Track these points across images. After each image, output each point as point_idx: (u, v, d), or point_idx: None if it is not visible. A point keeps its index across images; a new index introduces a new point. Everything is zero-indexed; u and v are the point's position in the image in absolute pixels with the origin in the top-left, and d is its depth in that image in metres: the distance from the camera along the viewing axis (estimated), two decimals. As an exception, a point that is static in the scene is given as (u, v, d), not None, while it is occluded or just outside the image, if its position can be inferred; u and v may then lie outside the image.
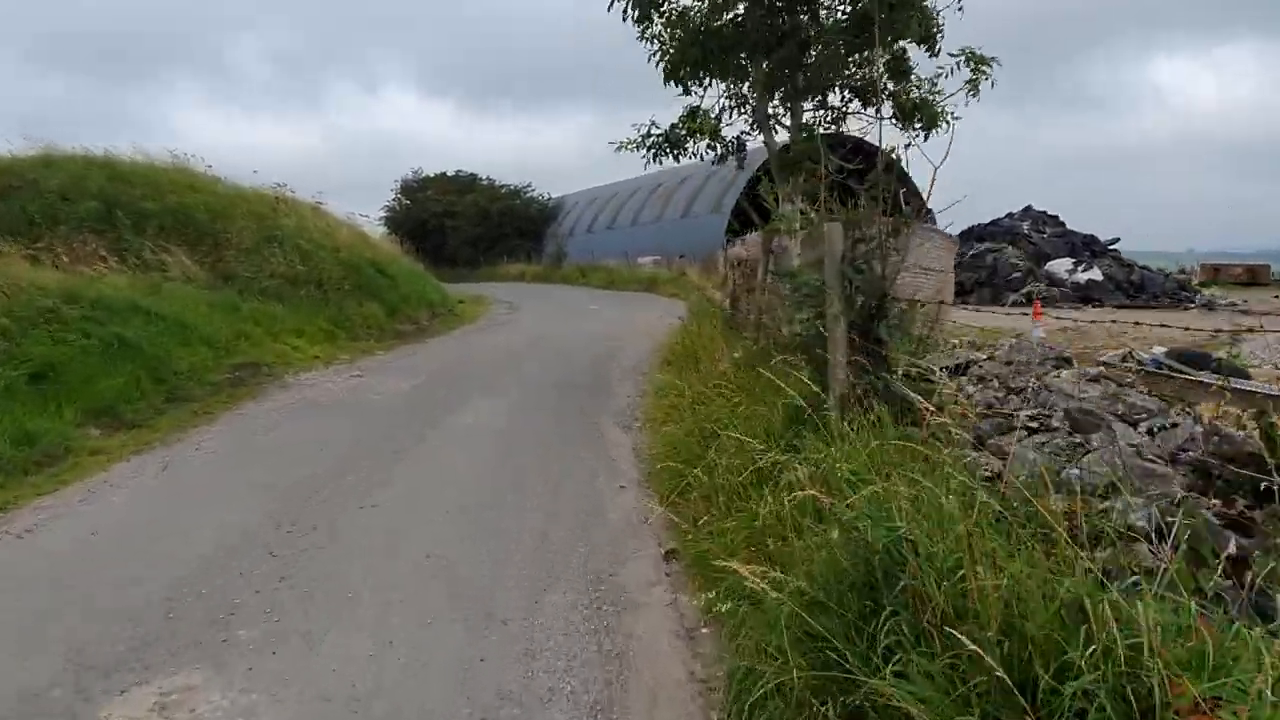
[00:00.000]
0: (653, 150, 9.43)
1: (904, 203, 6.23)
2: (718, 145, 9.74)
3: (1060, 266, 24.63)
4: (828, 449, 4.68)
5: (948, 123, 8.15)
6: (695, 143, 9.45)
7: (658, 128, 9.46)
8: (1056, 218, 27.76)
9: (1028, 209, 28.46)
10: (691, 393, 7.67)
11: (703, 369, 8.14)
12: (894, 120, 8.07)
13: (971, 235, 28.29)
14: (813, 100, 8.49)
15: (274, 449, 8.14)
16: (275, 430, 8.95)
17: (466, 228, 51.48)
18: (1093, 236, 26.37)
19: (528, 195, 53.67)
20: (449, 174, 57.61)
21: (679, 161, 9.54)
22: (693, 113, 9.22)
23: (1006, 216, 28.57)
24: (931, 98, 8.09)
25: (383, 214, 56.46)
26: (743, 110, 9.36)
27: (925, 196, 5.67)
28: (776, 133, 10.04)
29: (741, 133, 9.56)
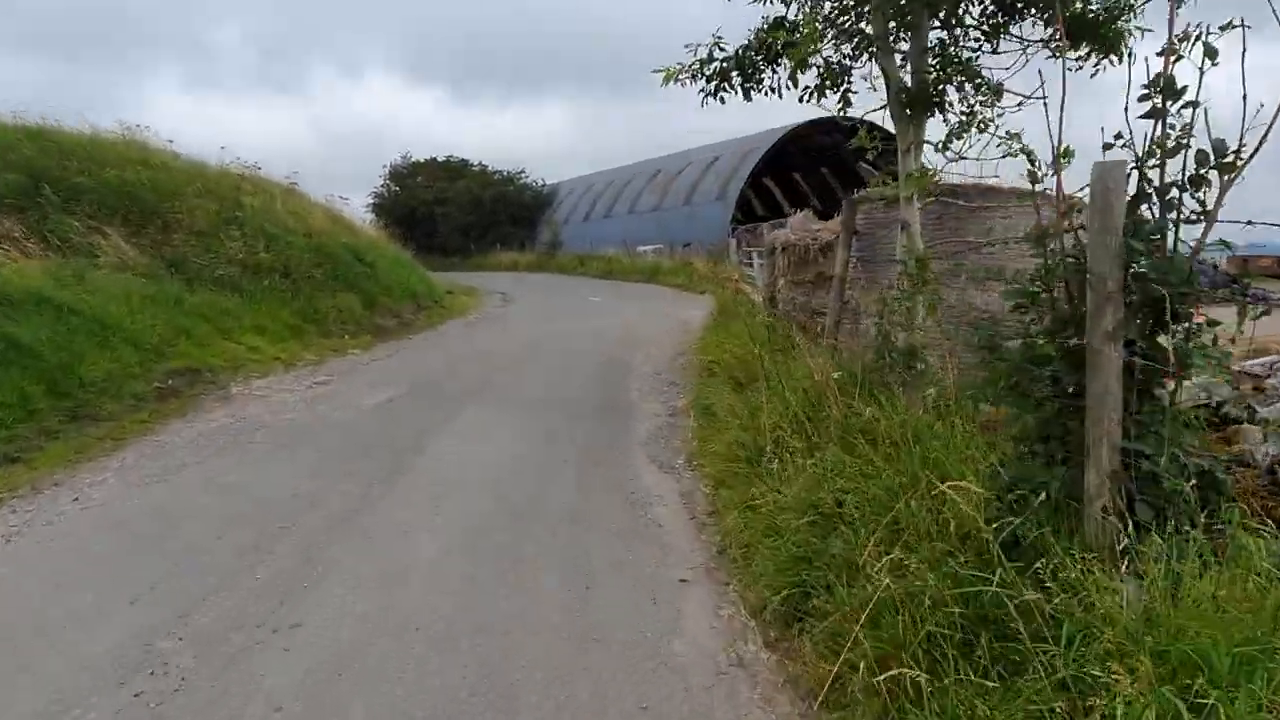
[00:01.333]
0: (715, 81, 6.92)
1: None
2: (813, 74, 6.86)
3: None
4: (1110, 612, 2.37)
5: (1128, 48, 5.84)
6: (777, 71, 6.83)
7: (723, 48, 6.87)
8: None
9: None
10: (771, 424, 5.34)
11: (775, 390, 5.79)
12: (1053, 43, 5.72)
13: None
14: (942, 16, 6.05)
15: (163, 513, 5.63)
16: (180, 474, 6.52)
17: (458, 215, 48.92)
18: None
19: (521, 181, 51.12)
20: (439, 160, 55.01)
21: (749, 98, 7.03)
22: (777, 24, 6.73)
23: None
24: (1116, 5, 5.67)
25: (371, 201, 53.92)
26: (842, 27, 6.84)
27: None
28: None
29: (845, 58, 7.03)
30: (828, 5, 6.58)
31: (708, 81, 6.91)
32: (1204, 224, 2.94)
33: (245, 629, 3.93)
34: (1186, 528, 2.77)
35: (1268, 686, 2.15)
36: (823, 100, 6.88)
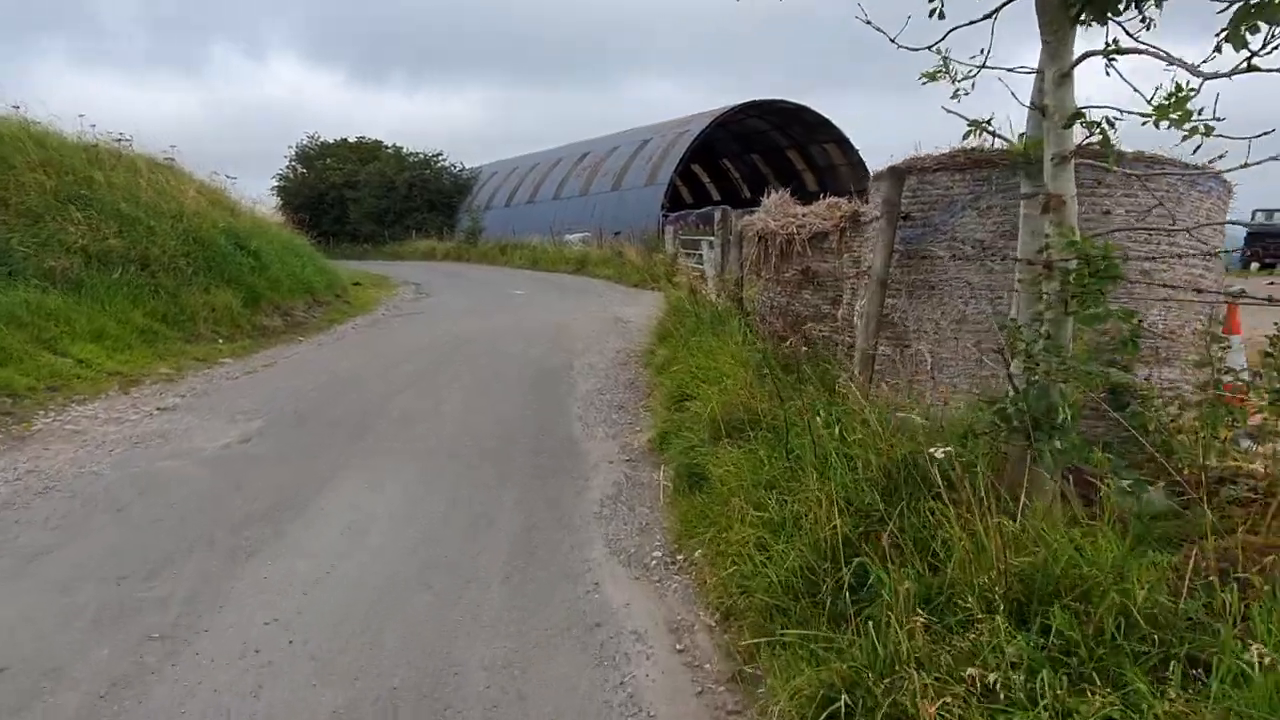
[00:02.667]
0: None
1: None
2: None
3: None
4: None
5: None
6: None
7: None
8: None
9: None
10: (830, 531, 3.18)
11: (821, 465, 3.63)
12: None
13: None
14: None
15: None
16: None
17: (370, 200, 45.66)
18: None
19: (439, 165, 47.98)
20: (350, 141, 51.48)
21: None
22: None
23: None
24: None
25: (275, 184, 50.15)
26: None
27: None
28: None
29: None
30: None
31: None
32: None
33: None
34: None
35: None
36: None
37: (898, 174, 4.64)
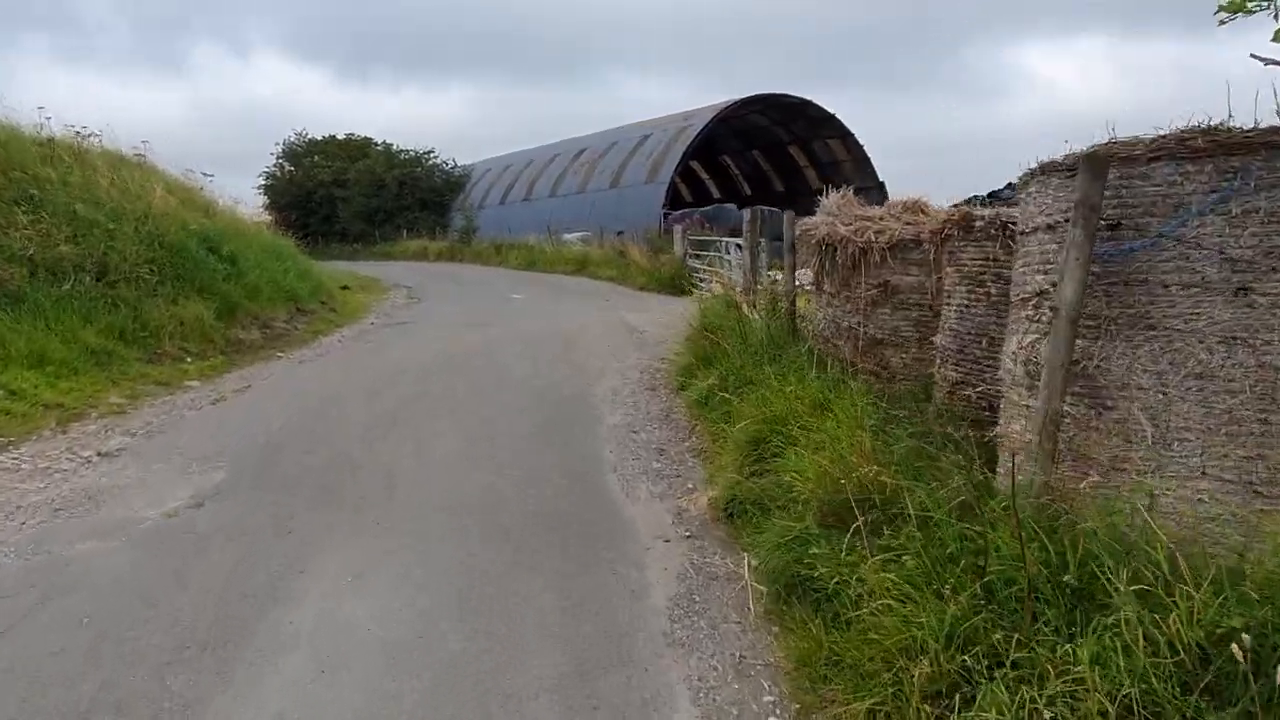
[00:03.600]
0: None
1: None
2: None
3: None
4: None
5: None
6: None
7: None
8: None
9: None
10: None
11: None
12: None
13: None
14: None
15: None
16: None
17: (360, 199, 44.06)
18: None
19: (431, 162, 46.35)
20: (339, 138, 49.83)
21: None
22: None
23: (1008, 187, 23.42)
24: None
25: (262, 182, 48.51)
26: None
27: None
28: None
29: None
30: None
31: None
32: None
33: None
34: None
35: None
36: None
37: (1098, 164, 3.23)
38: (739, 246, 11.92)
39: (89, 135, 14.45)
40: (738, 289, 11.03)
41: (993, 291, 5.12)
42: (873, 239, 6.33)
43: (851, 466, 3.80)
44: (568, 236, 30.45)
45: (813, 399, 5.17)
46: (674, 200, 34.69)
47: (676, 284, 19.92)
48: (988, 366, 5.01)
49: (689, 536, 4.77)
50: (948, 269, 5.56)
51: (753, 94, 33.42)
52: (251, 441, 6.86)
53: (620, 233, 27.68)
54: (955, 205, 7.12)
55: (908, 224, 6.30)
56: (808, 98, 34.05)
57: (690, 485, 5.66)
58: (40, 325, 9.16)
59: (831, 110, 34.56)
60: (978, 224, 5.19)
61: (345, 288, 21.27)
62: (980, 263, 5.18)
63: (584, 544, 4.68)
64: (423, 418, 7.60)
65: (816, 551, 3.48)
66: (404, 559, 4.47)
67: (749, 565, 4.14)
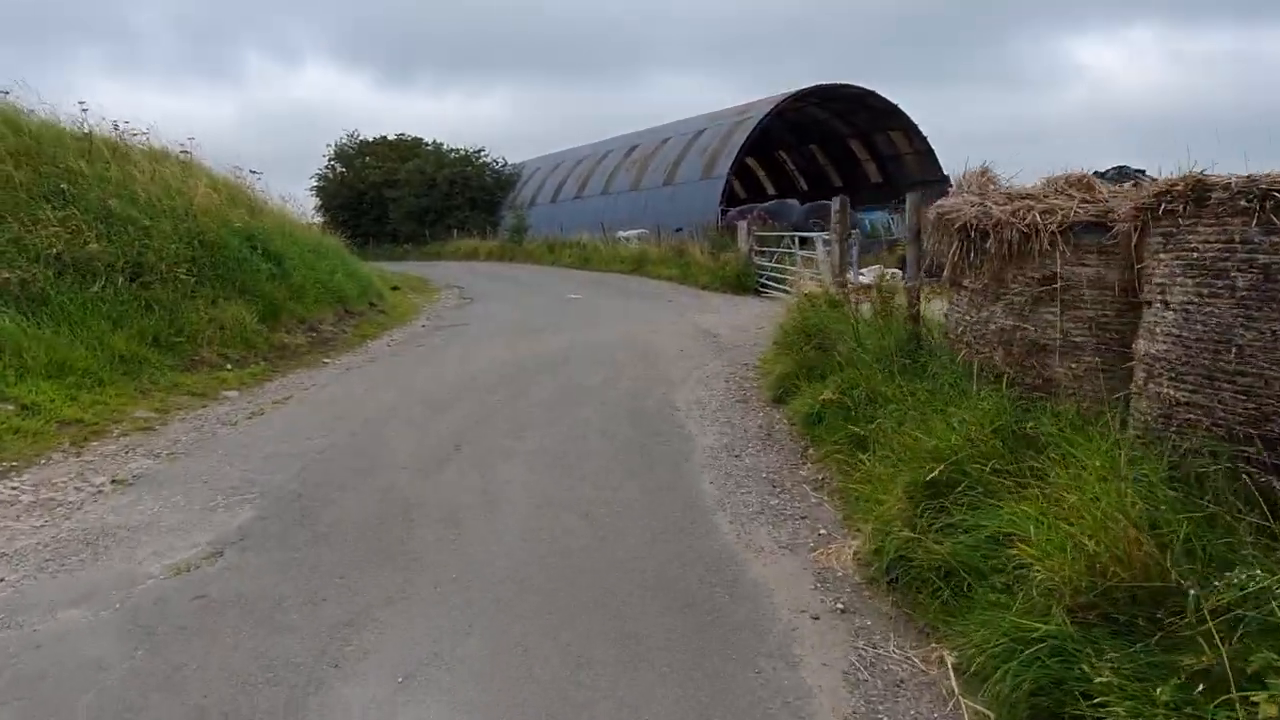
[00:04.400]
0: None
1: None
2: None
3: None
4: None
5: None
6: None
7: None
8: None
9: (1119, 168, 21.74)
10: None
11: None
12: None
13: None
14: None
15: None
16: None
17: (410, 199, 43.48)
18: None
19: (481, 161, 45.56)
20: (390, 139, 49.39)
21: None
22: None
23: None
24: None
25: (314, 184, 48.26)
26: None
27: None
28: None
29: None
30: None
31: None
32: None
33: None
34: None
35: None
36: None
37: None
38: (824, 240, 10.67)
39: (132, 132, 13.74)
40: (830, 286, 9.80)
41: (1240, 284, 3.85)
42: (1038, 222, 5.07)
43: (1121, 542, 2.58)
44: (623, 234, 29.35)
45: (997, 426, 3.94)
46: (728, 197, 33.38)
47: (742, 283, 18.68)
48: (1237, 386, 3.75)
49: (843, 611, 3.59)
50: (1159, 256, 4.29)
51: (811, 85, 32.01)
52: (287, 469, 5.82)
53: (679, 230, 26.49)
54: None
55: (1084, 202, 5.04)
56: (870, 88, 32.51)
57: (823, 531, 4.47)
58: (64, 331, 8.28)
59: (895, 101, 32.99)
60: (1215, 195, 3.92)
61: (395, 288, 20.44)
62: (1220, 246, 3.91)
63: (705, 620, 3.52)
64: (486, 441, 6.49)
65: (1101, 680, 2.26)
66: (470, 648, 3.34)
67: (952, 669, 2.95)
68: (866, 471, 4.57)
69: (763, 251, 19.32)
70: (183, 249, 10.80)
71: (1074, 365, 5.16)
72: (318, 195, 47.87)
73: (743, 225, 19.76)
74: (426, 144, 48.16)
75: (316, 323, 12.47)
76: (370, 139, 49.68)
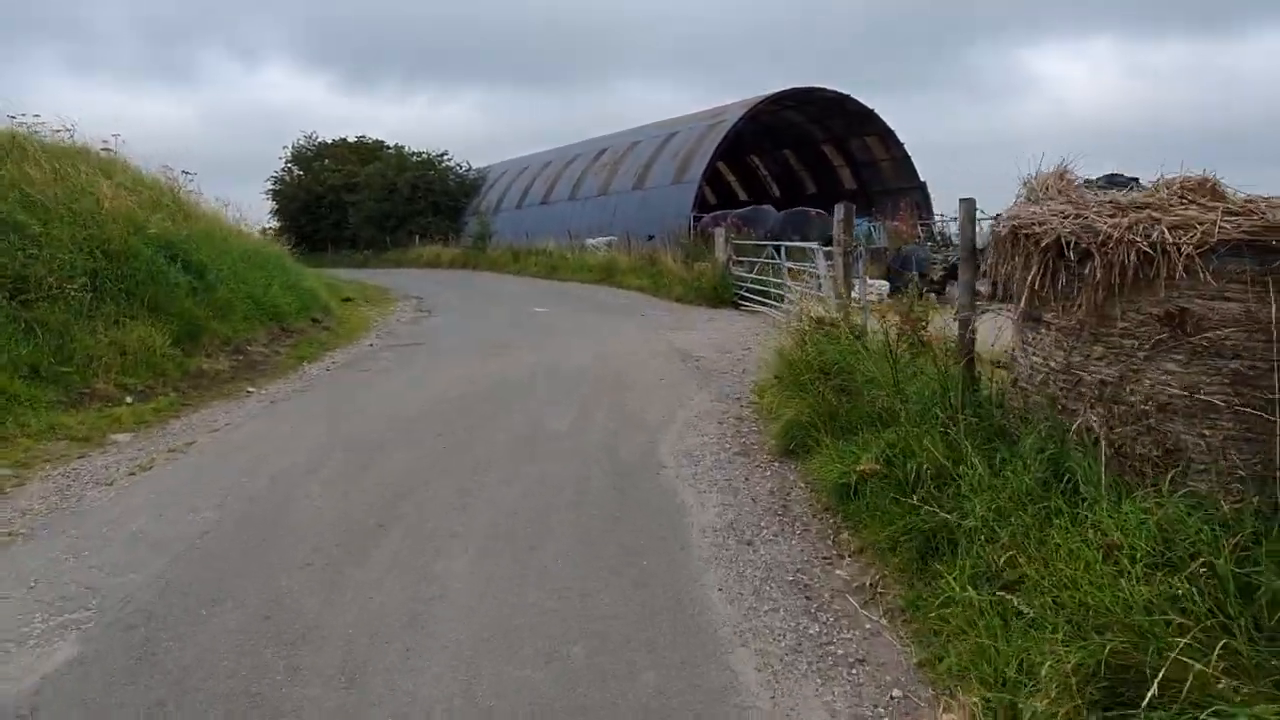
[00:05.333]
0: None
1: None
2: None
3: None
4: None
5: None
6: None
7: None
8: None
9: (1110, 176, 20.70)
10: None
11: None
12: None
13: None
14: None
15: None
16: None
17: (370, 203, 41.63)
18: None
19: (444, 165, 43.77)
20: (349, 140, 47.49)
21: None
22: None
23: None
24: None
25: (270, 187, 46.21)
26: None
27: None
28: None
29: None
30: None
31: None
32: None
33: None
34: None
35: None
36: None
37: None
38: (825, 252, 9.30)
39: (33, 126, 12.08)
40: (833, 306, 8.44)
41: None
42: (1166, 240, 3.73)
43: None
44: (591, 242, 27.90)
45: (1193, 572, 2.56)
46: (700, 204, 32.01)
47: (719, 295, 17.33)
48: None
49: None
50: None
51: (786, 88, 30.81)
52: (149, 564, 4.30)
53: (651, 237, 25.08)
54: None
55: (1230, 214, 3.70)
56: (845, 92, 31.37)
57: (896, 693, 3.06)
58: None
59: (871, 106, 31.90)
60: None
61: (348, 300, 18.83)
62: None
63: None
64: (423, 513, 5.01)
65: None
66: None
67: None
68: (952, 596, 3.17)
69: (741, 261, 17.98)
70: (81, 260, 9.20)
71: (1210, 434, 3.81)
72: (273, 199, 45.89)
73: (719, 233, 18.41)
74: (388, 147, 46.31)
75: (245, 344, 10.87)
76: (329, 141, 47.77)
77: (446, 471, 5.81)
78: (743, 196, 41.01)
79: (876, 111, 32.03)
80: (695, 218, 26.94)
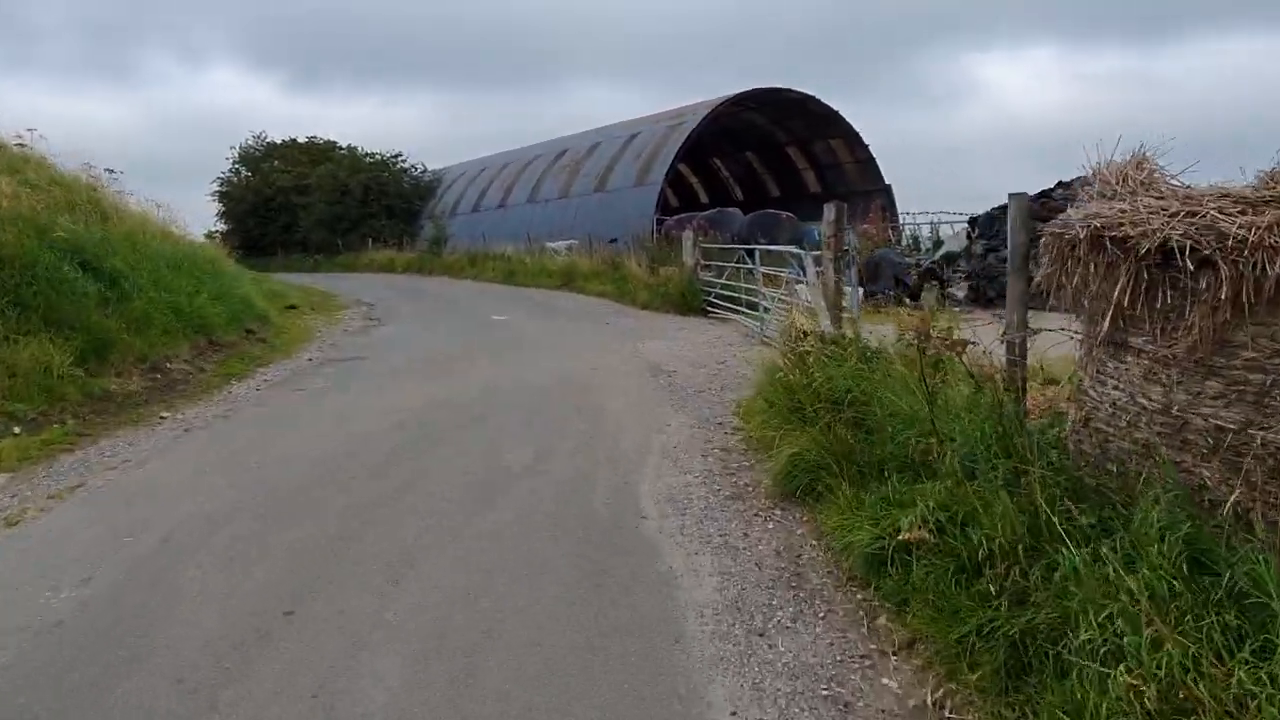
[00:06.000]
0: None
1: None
2: None
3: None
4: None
5: None
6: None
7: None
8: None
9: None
10: None
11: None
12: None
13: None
14: None
15: None
16: None
17: (321, 205, 40.03)
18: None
19: (399, 166, 42.26)
20: (300, 141, 45.78)
21: None
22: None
23: (1059, 185, 20.18)
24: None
25: (216, 189, 44.36)
26: None
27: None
28: None
29: None
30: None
31: None
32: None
33: None
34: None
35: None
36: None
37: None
38: (813, 258, 8.36)
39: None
40: (823, 318, 7.49)
41: None
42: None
43: None
44: (551, 246, 26.81)
45: None
46: (662, 206, 31.07)
47: (687, 302, 16.38)
48: None
49: None
50: None
51: (749, 89, 30.02)
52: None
53: (614, 240, 24.05)
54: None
55: None
56: (809, 93, 30.67)
57: None
58: None
59: (835, 107, 31.23)
60: None
61: (291, 307, 17.56)
62: None
63: None
64: (339, 596, 3.93)
65: None
66: None
67: None
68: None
69: (709, 266, 17.05)
70: (-36, 267, 7.94)
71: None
72: (220, 201, 44.01)
73: (687, 236, 17.46)
74: (341, 148, 44.68)
75: (164, 360, 9.64)
76: (279, 141, 45.98)
77: (374, 533, 4.73)
78: (705, 199, 40.16)
79: (841, 113, 31.40)
80: (659, 220, 25.99)
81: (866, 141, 32.08)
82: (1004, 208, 18.07)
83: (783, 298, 11.72)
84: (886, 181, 32.13)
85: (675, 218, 25.82)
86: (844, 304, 7.84)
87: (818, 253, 8.38)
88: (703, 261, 17.18)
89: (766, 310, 12.55)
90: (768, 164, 36.90)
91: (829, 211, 7.97)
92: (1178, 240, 3.09)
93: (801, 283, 12.48)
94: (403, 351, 11.91)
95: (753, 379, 7.69)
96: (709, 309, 15.85)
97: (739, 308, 14.48)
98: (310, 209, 40.30)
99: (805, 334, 6.80)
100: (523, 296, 20.85)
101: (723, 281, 15.64)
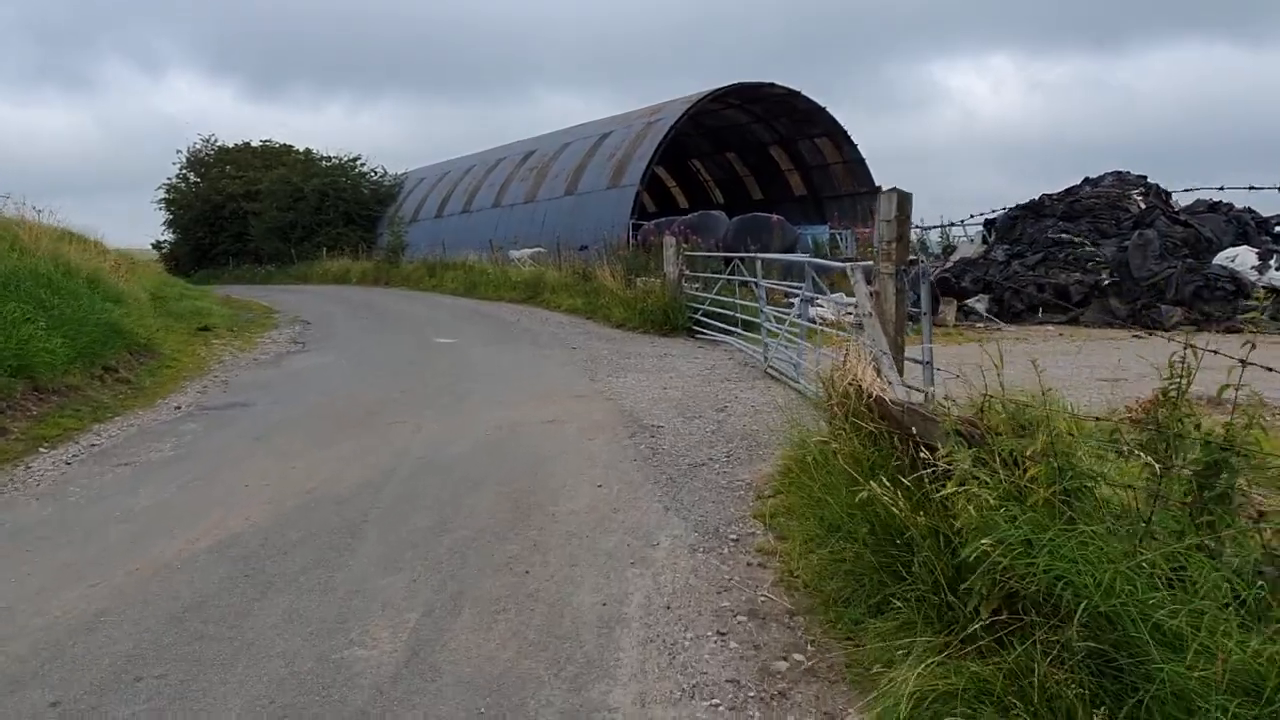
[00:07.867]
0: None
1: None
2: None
3: (1241, 260, 13.89)
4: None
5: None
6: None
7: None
8: (1159, 187, 17.08)
9: (1117, 174, 17.71)
10: None
11: None
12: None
13: (1035, 211, 17.34)
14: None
15: None
16: None
17: (273, 212, 36.90)
18: (1254, 212, 15.75)
19: (357, 171, 39.13)
20: (254, 145, 42.59)
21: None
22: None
23: (1086, 183, 17.76)
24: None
25: (163, 195, 41.08)
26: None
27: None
28: None
29: None
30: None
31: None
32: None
33: None
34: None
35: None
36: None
37: None
38: (863, 268, 5.65)
39: None
40: (856, 343, 4.81)
41: None
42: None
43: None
44: (516, 254, 24.04)
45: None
46: (638, 211, 28.33)
47: (670, 320, 13.70)
48: None
49: None
50: None
51: (730, 84, 27.39)
52: None
53: (584, 247, 21.32)
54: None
55: None
56: (795, 88, 28.13)
57: None
58: None
59: (822, 104, 28.72)
60: None
61: (204, 329, 14.66)
62: None
63: None
64: None
65: None
66: None
67: None
68: None
69: (694, 278, 14.37)
70: None
71: None
72: (167, 208, 40.74)
73: (669, 243, 14.73)
74: (297, 151, 41.57)
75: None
76: (231, 145, 42.76)
77: None
78: (683, 204, 37.56)
79: (828, 110, 28.91)
80: (635, 225, 23.31)
81: (855, 141, 29.65)
82: (1025, 207, 15.06)
83: (794, 320, 9.06)
84: (877, 184, 29.63)
85: (653, 222, 23.14)
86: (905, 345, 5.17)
87: (867, 263, 5.69)
88: (687, 272, 14.48)
89: (772, 334, 9.89)
90: (750, 165, 34.33)
91: (885, 205, 5.30)
92: None
93: (819, 303, 9.84)
94: (305, 395, 9.11)
95: (768, 438, 5.04)
96: (696, 329, 13.19)
97: (733, 328, 11.84)
98: (262, 216, 37.17)
99: (868, 396, 4.11)
100: (481, 313, 18.04)
101: (711, 296, 12.96)
